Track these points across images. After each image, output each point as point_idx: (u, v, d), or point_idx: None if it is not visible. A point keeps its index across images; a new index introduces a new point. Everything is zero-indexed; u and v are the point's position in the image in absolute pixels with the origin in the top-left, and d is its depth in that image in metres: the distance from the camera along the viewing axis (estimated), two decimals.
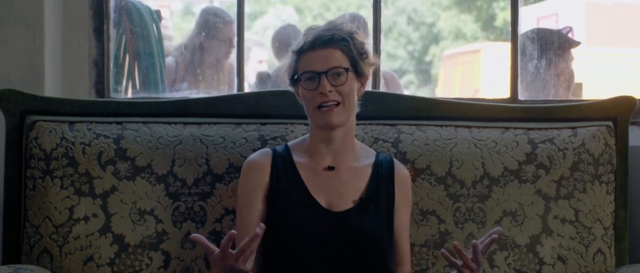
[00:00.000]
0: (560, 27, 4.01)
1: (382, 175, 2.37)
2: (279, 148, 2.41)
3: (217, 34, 4.23)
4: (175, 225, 2.52)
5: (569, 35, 3.88)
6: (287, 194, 2.32)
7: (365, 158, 2.40)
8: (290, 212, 2.30)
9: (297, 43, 2.34)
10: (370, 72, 2.38)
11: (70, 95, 3.02)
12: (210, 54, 4.19)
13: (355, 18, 4.00)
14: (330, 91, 2.26)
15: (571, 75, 3.80)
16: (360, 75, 2.33)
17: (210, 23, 4.25)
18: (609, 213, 2.60)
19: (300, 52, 2.31)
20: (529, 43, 3.54)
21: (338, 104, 2.27)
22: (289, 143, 2.43)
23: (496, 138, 2.60)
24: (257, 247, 2.12)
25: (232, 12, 3.62)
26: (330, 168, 2.35)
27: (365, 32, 3.33)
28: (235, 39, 3.11)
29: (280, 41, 4.42)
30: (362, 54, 2.33)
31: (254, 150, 2.47)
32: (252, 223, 2.29)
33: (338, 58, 2.29)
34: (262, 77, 4.24)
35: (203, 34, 4.23)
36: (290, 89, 2.39)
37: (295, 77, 2.32)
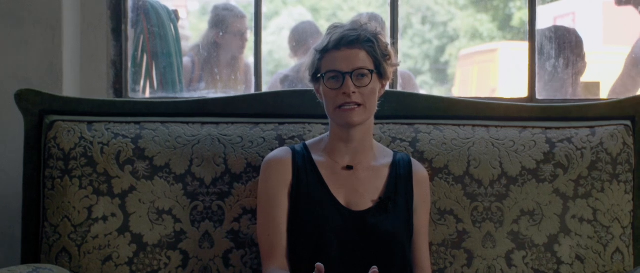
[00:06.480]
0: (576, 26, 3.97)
1: (400, 175, 2.37)
2: (298, 146, 2.41)
3: (228, 28, 4.24)
4: (193, 224, 2.52)
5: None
6: (309, 192, 2.32)
7: (382, 157, 2.41)
8: (312, 209, 2.30)
9: (321, 42, 2.34)
10: (392, 73, 2.38)
11: (88, 95, 3.04)
12: (225, 51, 4.20)
13: (374, 18, 3.98)
14: (353, 92, 2.26)
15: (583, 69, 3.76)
16: (382, 76, 2.33)
17: (221, 18, 4.26)
18: (627, 213, 2.59)
19: (324, 51, 2.31)
20: (547, 42, 3.52)
21: (359, 105, 2.28)
22: (306, 142, 2.44)
23: (514, 138, 2.60)
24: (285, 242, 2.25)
25: (248, 11, 3.62)
26: (349, 167, 2.35)
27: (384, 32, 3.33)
28: (247, 33, 3.09)
29: (298, 39, 4.42)
30: (386, 55, 2.33)
31: (272, 150, 2.47)
32: (279, 221, 2.31)
33: (363, 59, 2.29)
34: (282, 80, 4.24)
35: (216, 31, 4.24)
36: (310, 86, 2.40)
37: (318, 75, 2.33)
